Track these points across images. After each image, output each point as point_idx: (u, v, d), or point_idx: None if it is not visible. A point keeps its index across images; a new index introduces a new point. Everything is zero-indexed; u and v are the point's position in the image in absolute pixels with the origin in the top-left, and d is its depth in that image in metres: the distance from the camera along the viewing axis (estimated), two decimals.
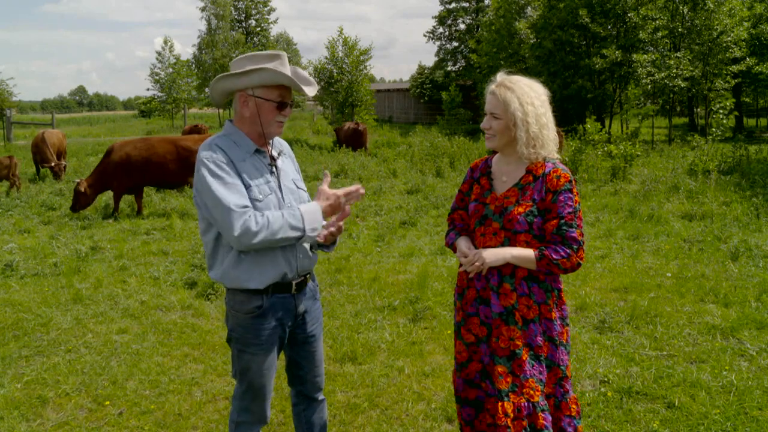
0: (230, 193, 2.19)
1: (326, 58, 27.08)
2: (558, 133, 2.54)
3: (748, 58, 21.27)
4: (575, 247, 2.26)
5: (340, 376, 3.95)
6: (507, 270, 2.33)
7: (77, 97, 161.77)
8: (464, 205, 2.56)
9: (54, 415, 3.55)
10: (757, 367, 3.92)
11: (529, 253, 2.28)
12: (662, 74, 19.83)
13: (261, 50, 2.36)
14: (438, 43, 42.67)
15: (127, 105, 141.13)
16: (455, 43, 41.94)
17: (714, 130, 15.90)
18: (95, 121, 48.91)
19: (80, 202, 9.23)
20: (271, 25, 47.30)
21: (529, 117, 2.27)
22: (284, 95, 2.33)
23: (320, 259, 6.66)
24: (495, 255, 2.29)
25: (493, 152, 2.52)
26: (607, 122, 25.66)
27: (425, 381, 3.87)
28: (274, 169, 2.41)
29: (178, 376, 3.99)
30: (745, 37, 20.77)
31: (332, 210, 2.34)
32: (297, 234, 2.22)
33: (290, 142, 19.44)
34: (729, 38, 20.07)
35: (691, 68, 20.01)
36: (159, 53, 39.02)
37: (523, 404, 2.28)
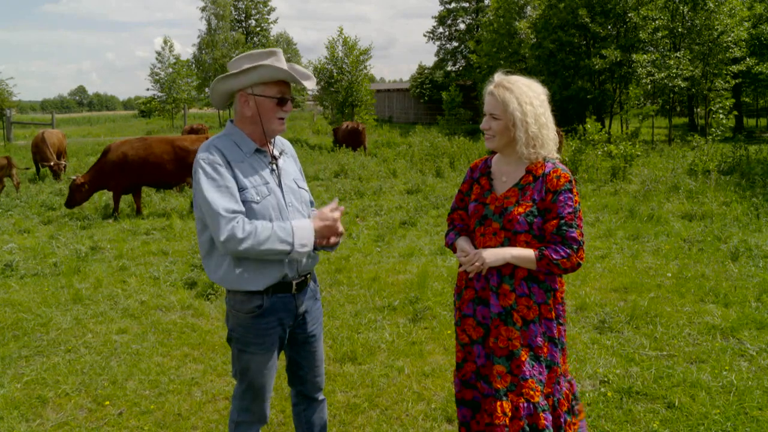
0: (221, 197, 2.19)
1: (326, 58, 27.10)
2: (558, 133, 2.54)
3: (748, 58, 21.28)
4: (575, 247, 2.26)
5: (340, 376, 3.95)
6: (506, 270, 2.33)
7: (77, 97, 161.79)
8: (464, 205, 2.56)
9: (54, 415, 3.55)
10: (757, 367, 3.92)
11: (529, 253, 2.28)
12: (662, 74, 19.84)
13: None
14: (438, 43, 42.71)
15: (127, 105, 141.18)
16: (455, 43, 41.94)
17: (714, 130, 15.91)
18: (95, 121, 48.93)
19: (75, 198, 9.26)
20: (271, 25, 47.40)
21: (528, 117, 2.27)
22: (284, 91, 2.34)
23: (320, 259, 6.65)
24: (495, 255, 2.29)
25: (493, 152, 2.52)
26: (607, 122, 25.66)
27: (425, 381, 3.87)
28: (274, 169, 2.40)
29: (178, 376, 3.99)
30: (745, 37, 20.77)
31: (328, 231, 2.33)
32: (285, 248, 2.20)
33: (290, 142, 19.41)
34: (729, 38, 20.07)
35: (691, 68, 20.01)
36: (159, 53, 39.07)
37: (522, 404, 2.28)
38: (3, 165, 11.62)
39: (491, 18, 30.58)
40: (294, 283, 2.39)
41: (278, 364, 2.52)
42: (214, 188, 2.20)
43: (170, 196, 10.96)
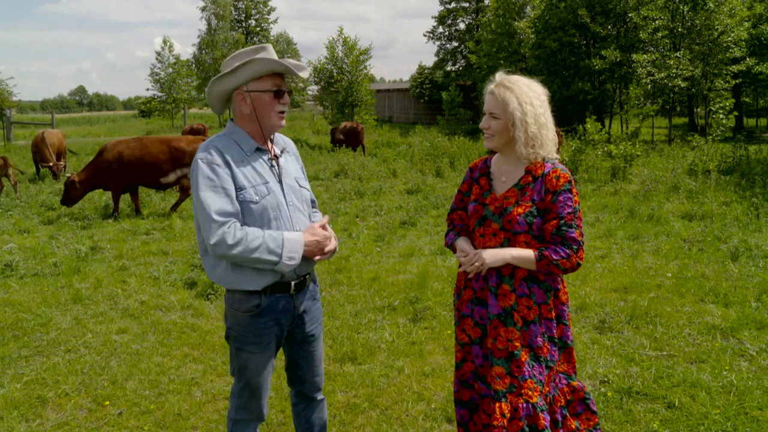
0: (216, 198, 2.20)
1: (326, 58, 27.09)
2: (557, 133, 2.54)
3: (748, 58, 21.28)
4: (575, 247, 2.26)
5: (340, 376, 3.95)
6: (506, 271, 2.33)
7: (77, 97, 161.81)
8: (463, 205, 2.56)
9: (54, 415, 3.55)
10: (757, 367, 3.92)
11: (528, 253, 2.28)
12: (662, 74, 19.84)
13: None
14: (438, 43, 42.72)
15: (127, 105, 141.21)
16: (455, 43, 41.95)
17: (714, 130, 15.91)
18: (95, 121, 48.92)
19: (71, 196, 9.28)
20: (271, 25, 47.35)
21: (527, 117, 2.27)
22: (279, 83, 2.34)
23: None
24: (495, 255, 2.29)
25: (493, 152, 2.52)
26: (607, 122, 25.67)
27: (425, 381, 3.87)
28: (275, 168, 2.40)
29: (177, 376, 3.99)
30: (745, 37, 20.77)
31: (317, 246, 2.33)
32: (273, 258, 2.21)
33: None
34: (729, 38, 20.07)
35: (691, 68, 20.01)
36: (159, 53, 39.07)
37: (521, 405, 2.27)
38: (0, 165, 11.62)
39: (491, 18, 30.59)
40: (292, 283, 2.39)
41: (278, 363, 2.52)
42: (210, 189, 2.21)
43: (170, 196, 10.96)
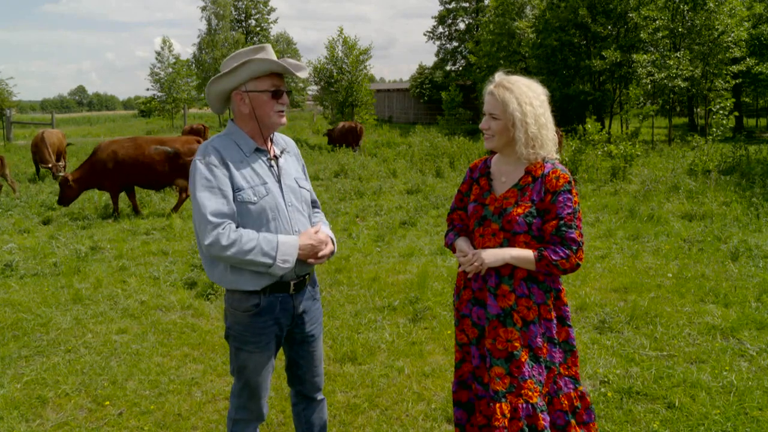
0: (212, 199, 2.20)
1: (326, 58, 27.10)
2: (557, 133, 2.54)
3: (748, 58, 21.28)
4: (574, 247, 2.26)
5: (340, 376, 3.95)
6: (505, 271, 2.33)
7: (77, 97, 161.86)
8: (463, 205, 2.55)
9: (54, 415, 3.55)
10: (757, 368, 3.92)
11: (528, 253, 2.28)
12: (662, 74, 19.84)
13: None
14: (438, 43, 42.73)
15: (126, 105, 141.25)
16: (455, 43, 41.95)
17: (714, 130, 15.91)
18: (95, 121, 48.92)
19: (65, 195, 9.33)
20: (271, 25, 47.36)
21: (527, 117, 2.27)
22: (277, 84, 2.34)
23: None
24: (494, 256, 2.29)
25: (493, 152, 2.52)
26: (607, 122, 25.67)
27: (425, 381, 3.87)
28: (274, 168, 2.40)
29: (177, 377, 3.99)
30: (745, 38, 20.77)
31: (311, 250, 2.33)
32: (267, 261, 2.21)
33: None
34: (729, 38, 20.07)
35: (691, 68, 20.01)
36: (158, 53, 39.07)
37: (520, 405, 2.27)
38: None
39: (491, 18, 30.59)
40: (292, 283, 2.39)
41: (278, 363, 2.52)
42: (207, 190, 2.22)
43: (170, 196, 10.96)
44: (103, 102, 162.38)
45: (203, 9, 42.32)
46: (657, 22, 21.66)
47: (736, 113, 17.47)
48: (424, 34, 43.61)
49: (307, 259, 2.34)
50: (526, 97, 2.28)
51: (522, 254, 2.28)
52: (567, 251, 2.25)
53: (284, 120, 2.39)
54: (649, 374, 3.84)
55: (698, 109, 26.17)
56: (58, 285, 5.93)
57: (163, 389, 3.82)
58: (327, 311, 5.05)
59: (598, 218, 8.66)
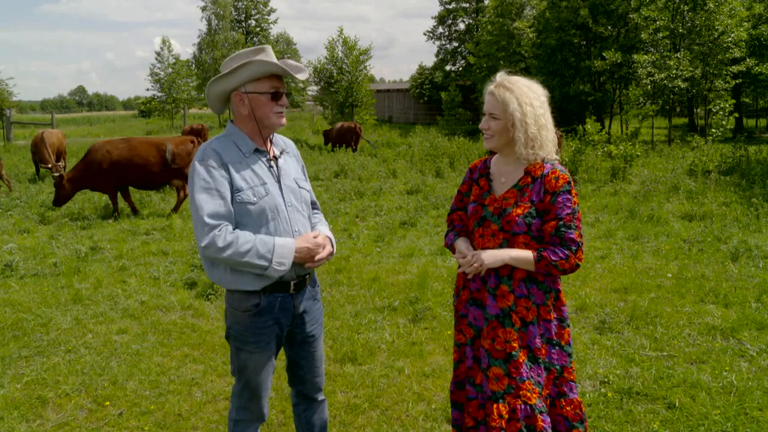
0: (210, 200, 2.21)
1: (326, 58, 27.09)
2: (556, 133, 2.53)
3: (747, 59, 21.29)
4: (574, 248, 2.26)
5: (340, 376, 3.95)
6: (505, 271, 2.33)
7: (77, 97, 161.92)
8: (463, 206, 2.55)
9: (54, 415, 3.55)
10: (757, 368, 3.92)
11: (527, 254, 2.28)
12: (662, 75, 19.84)
13: None
14: (438, 43, 42.73)
15: (126, 105, 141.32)
16: (455, 44, 41.95)
17: (714, 130, 15.91)
18: (95, 121, 48.92)
19: (59, 195, 9.35)
20: (271, 25, 47.35)
21: (527, 118, 2.27)
22: (276, 85, 2.34)
23: None
24: (493, 256, 2.29)
25: (492, 153, 2.52)
26: (606, 123, 25.67)
27: (425, 381, 3.87)
28: (274, 169, 2.41)
29: (178, 377, 3.99)
30: (744, 38, 20.78)
31: (307, 253, 2.33)
32: (263, 263, 2.22)
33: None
34: (729, 39, 20.09)
35: (691, 69, 20.02)
36: (158, 53, 39.07)
37: (519, 406, 2.27)
38: None
39: (490, 18, 30.59)
40: (292, 283, 2.39)
41: (278, 363, 2.52)
42: (205, 191, 2.22)
43: (170, 196, 10.96)
44: (103, 102, 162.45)
45: (203, 9, 42.35)
46: (657, 22, 21.67)
47: (736, 114, 17.47)
48: (424, 34, 43.65)
49: (304, 262, 2.34)
50: (526, 98, 2.28)
51: (521, 255, 2.28)
52: (566, 252, 2.25)
53: (284, 121, 2.40)
54: (649, 374, 3.84)
55: (698, 110, 26.17)
56: (58, 285, 5.93)
57: (164, 389, 3.82)
58: (327, 311, 5.05)
59: (598, 219, 8.66)
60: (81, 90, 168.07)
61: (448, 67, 41.56)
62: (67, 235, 8.18)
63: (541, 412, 2.27)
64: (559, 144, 11.94)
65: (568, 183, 2.30)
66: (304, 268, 2.42)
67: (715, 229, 7.64)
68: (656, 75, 20.01)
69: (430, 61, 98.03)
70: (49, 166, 13.11)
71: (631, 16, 22.85)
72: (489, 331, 2.33)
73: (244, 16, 46.32)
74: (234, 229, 2.24)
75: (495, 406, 2.28)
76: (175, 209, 9.65)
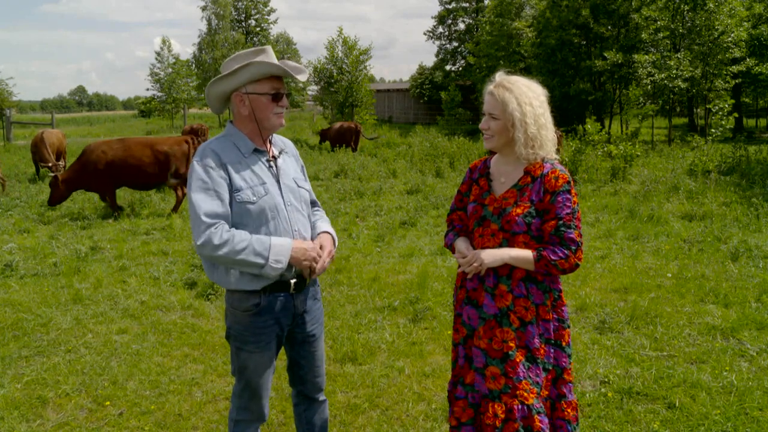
0: (207, 200, 2.21)
1: (326, 58, 27.09)
2: (556, 133, 2.53)
3: (747, 59, 21.29)
4: (573, 248, 2.26)
5: (341, 376, 3.95)
6: (504, 271, 2.32)
7: (77, 97, 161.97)
8: (463, 205, 2.55)
9: (54, 415, 3.55)
10: (757, 368, 3.92)
11: (527, 253, 2.28)
12: (662, 75, 19.84)
13: None
14: (438, 43, 42.72)
15: (126, 105, 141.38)
16: (455, 44, 41.94)
17: (713, 130, 15.92)
18: (95, 121, 48.91)
19: (54, 195, 9.39)
20: (271, 25, 47.37)
21: (527, 117, 2.27)
22: (277, 86, 2.35)
23: None
24: (493, 256, 2.29)
25: (492, 153, 2.52)
26: (607, 122, 25.67)
27: (425, 381, 3.87)
28: (273, 169, 2.41)
29: (178, 377, 3.99)
30: (744, 38, 20.79)
31: (304, 254, 2.31)
32: (260, 261, 2.20)
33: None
34: (729, 38, 20.09)
35: (691, 69, 20.02)
36: (158, 53, 39.07)
37: (516, 406, 2.27)
38: None
39: (491, 18, 30.59)
40: (292, 282, 2.39)
41: (279, 363, 2.52)
42: (202, 191, 2.23)
43: (170, 196, 10.96)
44: (103, 102, 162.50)
45: (203, 9, 42.36)
46: (658, 22, 21.67)
47: (735, 114, 17.47)
48: (424, 34, 43.63)
49: (299, 263, 2.32)
50: (525, 98, 2.28)
51: (521, 254, 2.28)
52: (566, 251, 2.25)
53: (283, 122, 2.41)
54: (649, 374, 3.84)
55: (698, 110, 26.18)
56: (58, 285, 5.93)
57: (164, 389, 3.82)
58: (327, 311, 5.05)
59: (598, 218, 8.66)
60: (81, 90, 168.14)
61: (448, 67, 41.55)
62: (67, 235, 8.18)
63: (538, 413, 2.27)
64: (559, 143, 11.94)
65: (568, 182, 2.30)
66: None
67: (715, 229, 7.64)
68: (656, 75, 20.01)
69: (430, 61, 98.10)
70: (50, 165, 13.14)
71: (632, 16, 22.84)
72: (487, 331, 2.34)
73: (244, 16, 46.33)
74: (230, 229, 2.24)
75: (491, 404, 2.28)
76: (175, 209, 9.65)
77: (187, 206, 2.28)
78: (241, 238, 2.20)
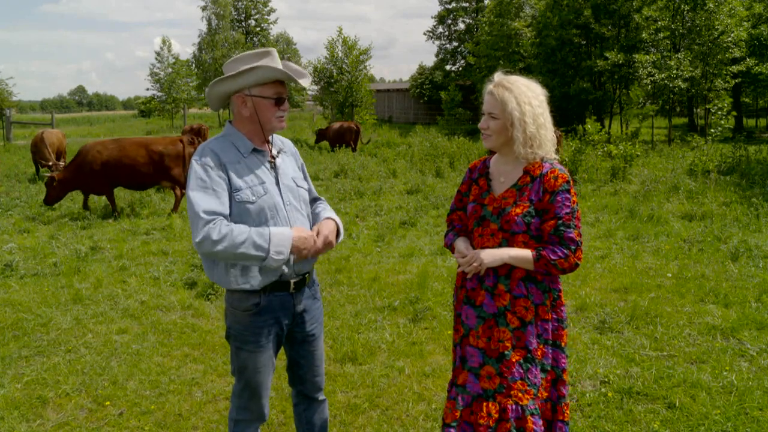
0: (205, 198, 2.21)
1: (326, 58, 27.11)
2: (555, 133, 2.53)
3: (747, 59, 21.29)
4: (573, 247, 2.26)
5: (341, 376, 3.95)
6: (503, 270, 2.33)
7: (77, 97, 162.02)
8: (463, 205, 2.56)
9: (54, 415, 3.55)
10: (757, 368, 3.92)
11: (526, 253, 2.28)
12: (662, 75, 19.85)
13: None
14: (438, 43, 42.72)
15: (126, 105, 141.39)
16: (455, 43, 41.95)
17: (713, 130, 15.92)
18: (95, 121, 48.92)
19: (50, 195, 9.42)
20: (271, 25, 47.40)
21: (526, 117, 2.27)
22: (280, 91, 2.35)
23: (320, 259, 6.66)
24: (493, 256, 2.29)
25: (492, 153, 2.52)
26: (607, 122, 25.67)
27: (425, 381, 3.87)
28: (272, 168, 2.41)
29: (178, 377, 3.99)
30: (744, 38, 20.79)
31: (304, 243, 2.29)
32: (260, 254, 2.19)
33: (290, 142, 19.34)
34: (729, 38, 20.10)
35: (691, 69, 20.02)
36: (158, 53, 39.07)
37: (510, 406, 2.26)
38: None
39: (491, 18, 30.59)
40: (292, 282, 2.39)
41: (278, 363, 2.52)
42: (201, 189, 2.23)
43: (170, 196, 10.96)
44: (103, 102, 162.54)
45: (203, 9, 42.37)
46: (658, 22, 21.67)
47: (735, 113, 17.47)
48: (424, 34, 43.63)
49: (300, 251, 2.29)
50: (525, 97, 2.28)
51: (520, 254, 2.28)
52: (565, 251, 2.25)
53: (284, 124, 2.42)
54: (649, 374, 3.84)
55: (698, 110, 26.18)
56: (58, 285, 5.93)
57: (164, 389, 3.82)
58: (327, 311, 5.05)
59: (598, 218, 8.66)
60: (81, 90, 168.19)
61: (448, 67, 41.56)
62: (67, 235, 8.18)
63: (532, 414, 2.26)
64: (559, 143, 11.95)
65: (567, 182, 2.30)
66: (304, 267, 2.42)
67: (715, 229, 7.64)
68: (656, 75, 20.01)
69: (430, 61, 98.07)
70: (50, 164, 13.15)
71: (632, 16, 22.84)
72: (485, 330, 2.34)
73: (244, 16, 46.34)
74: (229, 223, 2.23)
75: (485, 404, 2.28)
76: (174, 209, 9.65)
77: (186, 206, 2.27)
78: (240, 231, 2.19)
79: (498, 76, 2.36)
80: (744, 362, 4.01)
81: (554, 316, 2.37)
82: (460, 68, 40.92)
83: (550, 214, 2.28)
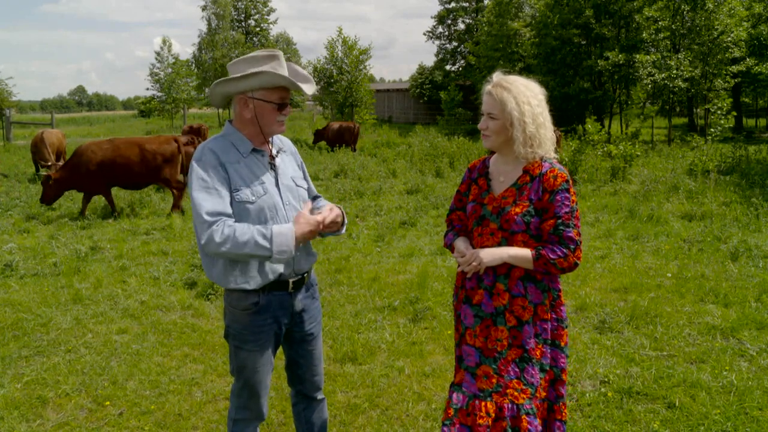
0: (208, 199, 2.21)
1: (326, 58, 27.13)
2: (555, 132, 2.53)
3: (747, 58, 21.30)
4: (572, 246, 2.26)
5: (341, 376, 3.95)
6: (502, 270, 2.33)
7: (77, 97, 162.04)
8: (462, 205, 2.56)
9: (54, 415, 3.55)
10: (757, 368, 3.92)
11: (526, 252, 2.28)
12: (662, 75, 19.85)
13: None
14: (438, 43, 42.74)
15: (126, 105, 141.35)
16: (455, 43, 41.96)
17: (713, 130, 15.93)
18: (95, 121, 48.90)
19: (47, 194, 9.46)
20: (271, 25, 47.39)
21: (525, 116, 2.27)
22: (284, 96, 2.35)
23: (320, 259, 6.67)
24: (492, 255, 2.29)
25: (492, 153, 2.52)
26: (606, 122, 25.67)
27: (425, 381, 3.87)
28: (272, 168, 2.41)
29: (178, 377, 3.99)
30: (744, 38, 20.80)
31: (310, 234, 2.28)
32: (264, 253, 2.18)
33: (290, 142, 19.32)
34: (729, 38, 20.10)
35: (691, 69, 20.02)
36: (158, 53, 39.06)
37: (506, 405, 2.26)
38: None
39: (490, 19, 30.60)
40: (291, 281, 2.39)
41: (277, 363, 2.53)
42: (203, 190, 2.22)
43: (170, 196, 10.96)
44: (103, 102, 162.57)
45: (203, 9, 42.37)
46: (659, 22, 21.67)
47: (734, 113, 17.47)
48: (424, 34, 43.63)
49: (306, 240, 2.27)
50: (524, 97, 2.28)
51: (520, 253, 2.28)
52: (565, 250, 2.25)
53: (284, 128, 2.42)
54: (649, 374, 3.84)
55: (698, 110, 26.19)
56: (58, 285, 5.93)
57: (164, 389, 3.82)
58: (327, 311, 5.05)
59: (597, 218, 8.66)
60: (81, 90, 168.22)
61: (448, 67, 41.56)
62: (67, 235, 8.18)
63: (527, 414, 2.26)
64: (558, 143, 11.96)
65: (567, 181, 2.30)
66: (304, 266, 2.43)
67: (715, 228, 7.64)
68: (656, 75, 20.01)
69: (430, 61, 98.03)
70: (50, 164, 13.15)
71: (633, 16, 22.84)
72: (483, 329, 2.34)
73: (243, 16, 46.33)
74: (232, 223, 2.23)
75: (483, 403, 2.28)
76: (173, 208, 9.66)
77: (190, 206, 2.27)
78: (242, 232, 2.17)
79: (496, 76, 2.36)
80: (744, 362, 4.01)
81: (553, 316, 2.37)
82: (460, 68, 40.91)
83: (550, 213, 2.28)
